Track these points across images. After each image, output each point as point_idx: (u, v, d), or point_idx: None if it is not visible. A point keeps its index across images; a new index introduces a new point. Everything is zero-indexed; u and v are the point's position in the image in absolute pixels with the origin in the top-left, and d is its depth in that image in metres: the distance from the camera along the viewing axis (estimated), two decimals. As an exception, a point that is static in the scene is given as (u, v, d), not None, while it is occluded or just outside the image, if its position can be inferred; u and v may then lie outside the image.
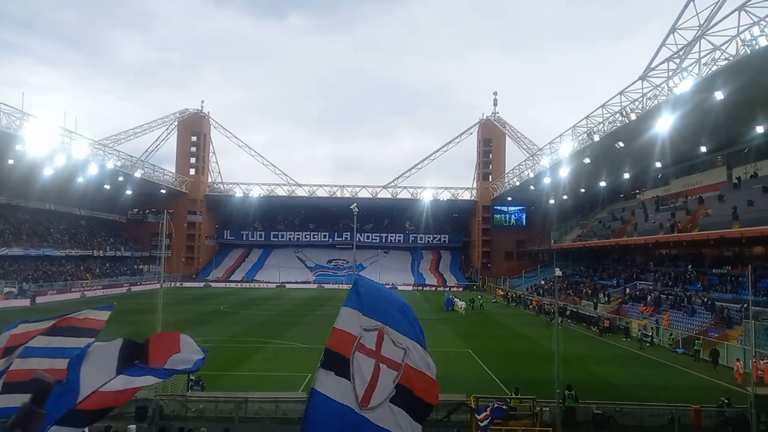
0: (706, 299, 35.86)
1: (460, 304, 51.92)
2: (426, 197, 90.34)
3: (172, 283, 72.03)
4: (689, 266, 43.94)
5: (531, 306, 55.32)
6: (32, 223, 66.38)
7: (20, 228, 63.44)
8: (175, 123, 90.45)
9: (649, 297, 42.23)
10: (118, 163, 65.05)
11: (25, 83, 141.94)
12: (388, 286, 78.60)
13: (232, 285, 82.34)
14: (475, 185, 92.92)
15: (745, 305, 30.71)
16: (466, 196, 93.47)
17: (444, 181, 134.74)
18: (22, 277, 56.84)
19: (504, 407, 15.17)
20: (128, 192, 76.10)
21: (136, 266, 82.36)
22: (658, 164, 48.53)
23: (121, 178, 68.76)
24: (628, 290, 47.24)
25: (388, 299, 4.59)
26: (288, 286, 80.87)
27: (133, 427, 16.14)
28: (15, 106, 45.67)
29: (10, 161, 52.02)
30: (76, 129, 55.80)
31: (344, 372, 4.10)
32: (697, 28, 30.64)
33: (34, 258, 61.84)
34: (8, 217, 63.02)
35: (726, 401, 17.97)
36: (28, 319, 4.89)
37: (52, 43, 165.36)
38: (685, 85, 30.37)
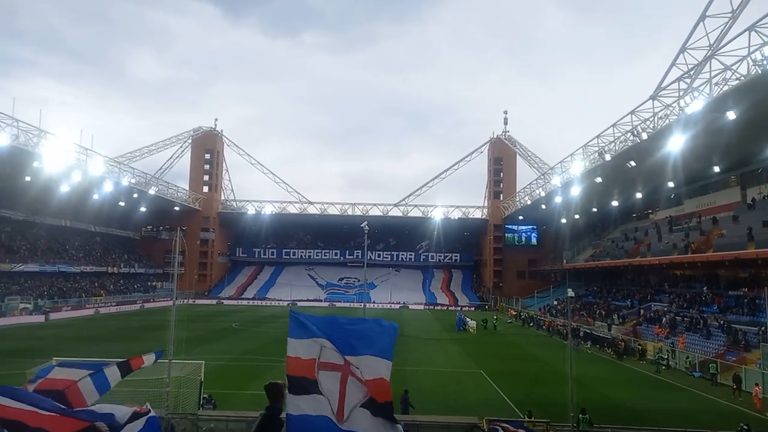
0: (722, 321, 35.27)
1: (472, 324, 51.56)
2: (437, 216, 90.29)
3: (185, 300, 72.36)
4: (705, 288, 43.33)
5: (544, 326, 54.77)
6: (48, 240, 67.27)
7: (36, 244, 64.31)
8: (189, 141, 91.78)
9: (664, 319, 41.62)
10: (133, 180, 65.94)
11: (43, 101, 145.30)
12: (399, 305, 78.19)
13: (244, 302, 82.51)
14: (486, 204, 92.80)
15: (763, 328, 30.22)
16: (477, 214, 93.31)
17: (455, 199, 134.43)
18: (38, 293, 57.46)
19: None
20: (142, 209, 77.01)
21: (149, 283, 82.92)
22: (671, 184, 48.16)
23: (135, 195, 69.63)
24: (642, 311, 46.62)
25: (325, 321, 4.93)
26: (299, 303, 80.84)
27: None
28: (33, 124, 46.71)
29: (27, 178, 52.96)
30: (92, 146, 56.79)
31: (315, 390, 4.40)
32: (708, 47, 30.68)
33: (50, 274, 62.55)
34: (25, 234, 63.96)
35: (745, 427, 17.60)
36: (64, 362, 5.19)
37: (70, 62, 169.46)
38: (696, 104, 30.29)
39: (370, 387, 4.47)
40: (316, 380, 4.50)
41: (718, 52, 29.35)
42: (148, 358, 6.03)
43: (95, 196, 63.51)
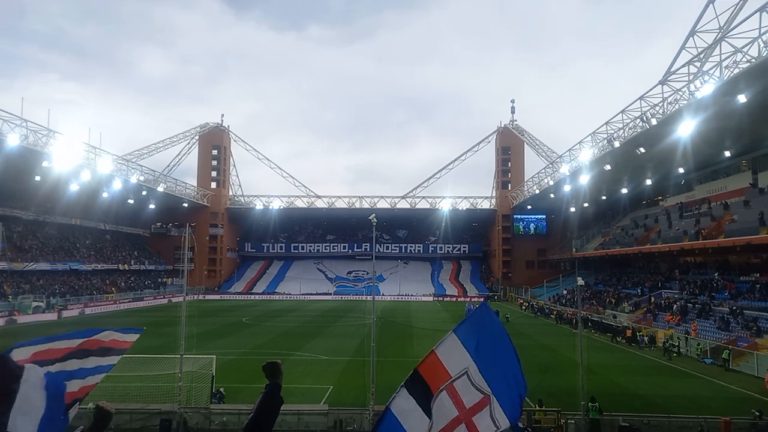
0: (734, 308, 35.00)
1: None
2: (445, 207, 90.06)
3: (195, 296, 72.84)
4: (716, 274, 42.98)
5: (553, 315, 54.66)
6: (59, 238, 67.86)
7: (47, 243, 64.89)
8: (197, 137, 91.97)
9: (675, 306, 41.38)
10: (142, 178, 66.28)
11: (51, 100, 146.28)
12: (407, 297, 77.59)
13: (254, 297, 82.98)
14: (494, 194, 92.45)
15: (776, 313, 29.96)
16: (486, 205, 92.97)
17: (463, 190, 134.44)
18: (50, 291, 58.04)
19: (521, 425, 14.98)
20: (151, 206, 77.45)
21: (159, 279, 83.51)
22: (681, 170, 47.73)
23: (144, 193, 70.01)
24: (653, 299, 46.36)
25: (503, 352, 3.68)
26: (309, 297, 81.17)
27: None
28: (41, 123, 47.01)
29: (37, 178, 53.35)
30: (100, 144, 57.18)
31: (425, 405, 3.54)
32: (718, 30, 30.27)
33: (61, 272, 63.15)
34: (36, 233, 64.54)
35: (758, 413, 17.49)
36: (49, 336, 4.98)
37: (77, 60, 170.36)
38: (706, 88, 29.87)
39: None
40: (432, 396, 3.54)
41: (729, 34, 28.92)
42: (121, 336, 5.44)
43: (104, 195, 63.93)
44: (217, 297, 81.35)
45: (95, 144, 56.38)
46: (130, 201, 71.37)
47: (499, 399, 3.49)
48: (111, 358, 5.04)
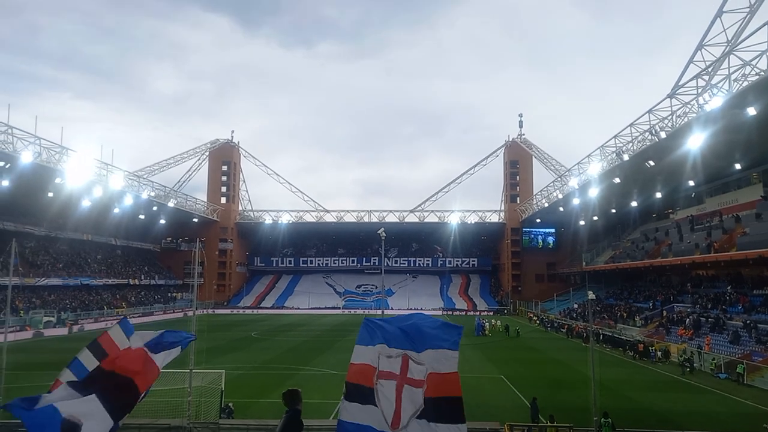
0: (748, 321, 34.54)
1: (493, 323, 53.06)
2: (454, 221, 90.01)
3: (205, 311, 72.99)
4: (729, 287, 42.49)
5: (563, 330, 54.17)
6: (70, 254, 68.48)
7: (59, 258, 65.49)
8: (207, 153, 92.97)
9: (687, 320, 40.89)
10: (152, 194, 66.89)
11: (64, 117, 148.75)
12: (416, 311, 77.97)
13: (263, 311, 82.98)
14: (502, 207, 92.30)
15: (791, 327, 29.52)
16: (494, 218, 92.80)
17: (471, 204, 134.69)
18: (61, 306, 58.46)
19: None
20: (162, 221, 78.09)
21: (169, 294, 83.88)
22: (691, 183, 47.47)
23: (155, 208, 70.62)
24: (665, 313, 45.86)
25: (400, 327, 4.84)
26: (318, 311, 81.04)
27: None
28: (54, 140, 47.69)
29: (50, 194, 54.03)
30: (112, 161, 57.92)
31: (370, 400, 4.42)
32: (726, 44, 30.30)
33: (72, 287, 63.64)
34: (47, 248, 65.19)
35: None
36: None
37: (89, 78, 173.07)
38: (715, 101, 29.82)
39: (437, 383, 4.45)
40: (373, 389, 4.51)
41: (737, 47, 28.95)
42: (116, 332, 6.28)
43: (116, 210, 64.60)
44: (227, 311, 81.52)
45: (107, 160, 57.19)
46: (141, 216, 71.97)
47: (416, 348, 4.49)
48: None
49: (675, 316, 43.99)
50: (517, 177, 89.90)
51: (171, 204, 71.59)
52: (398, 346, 4.67)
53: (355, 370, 4.67)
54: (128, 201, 62.03)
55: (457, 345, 4.65)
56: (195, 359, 19.21)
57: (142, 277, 79.11)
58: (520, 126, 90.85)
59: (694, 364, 32.91)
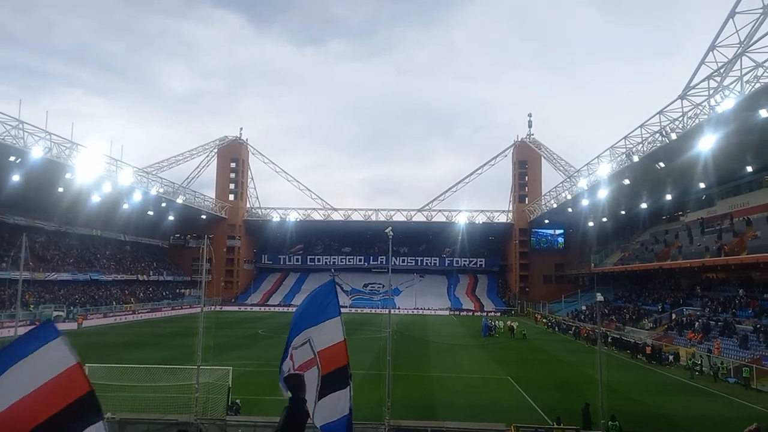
0: (758, 325, 34.21)
1: (500, 324, 53.70)
2: (461, 220, 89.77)
3: (212, 307, 73.31)
4: (740, 291, 42.10)
5: (571, 331, 53.93)
6: (79, 249, 69.00)
7: (68, 253, 66.02)
8: (215, 150, 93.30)
9: (697, 323, 40.57)
10: (161, 190, 67.26)
11: (75, 113, 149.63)
12: (422, 311, 77.18)
13: (270, 309, 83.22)
14: (511, 208, 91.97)
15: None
16: (502, 218, 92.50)
17: (479, 203, 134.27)
18: (70, 301, 58.93)
19: None
20: (170, 218, 78.44)
21: (177, 290, 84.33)
22: (702, 185, 47.00)
23: (163, 205, 70.98)
24: (674, 316, 45.52)
25: (303, 308, 4.53)
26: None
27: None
28: (65, 136, 48.05)
29: (60, 189, 54.44)
30: (122, 157, 58.20)
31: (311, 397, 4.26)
32: (738, 45, 29.97)
33: (82, 282, 64.12)
34: (57, 243, 65.74)
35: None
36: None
37: (101, 74, 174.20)
38: (727, 103, 29.53)
39: (329, 355, 4.30)
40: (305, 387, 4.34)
41: (749, 49, 28.65)
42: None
43: (125, 206, 64.99)
44: (234, 308, 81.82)
45: (117, 156, 57.50)
46: (150, 213, 72.37)
47: (305, 327, 4.30)
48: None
49: (684, 319, 43.65)
50: (526, 177, 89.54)
51: (179, 200, 71.94)
52: (296, 334, 4.53)
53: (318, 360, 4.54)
54: (137, 197, 62.44)
55: (337, 311, 4.40)
56: (203, 355, 19.30)
57: (151, 273, 79.58)
58: (530, 126, 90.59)
59: (703, 368, 32.68)
